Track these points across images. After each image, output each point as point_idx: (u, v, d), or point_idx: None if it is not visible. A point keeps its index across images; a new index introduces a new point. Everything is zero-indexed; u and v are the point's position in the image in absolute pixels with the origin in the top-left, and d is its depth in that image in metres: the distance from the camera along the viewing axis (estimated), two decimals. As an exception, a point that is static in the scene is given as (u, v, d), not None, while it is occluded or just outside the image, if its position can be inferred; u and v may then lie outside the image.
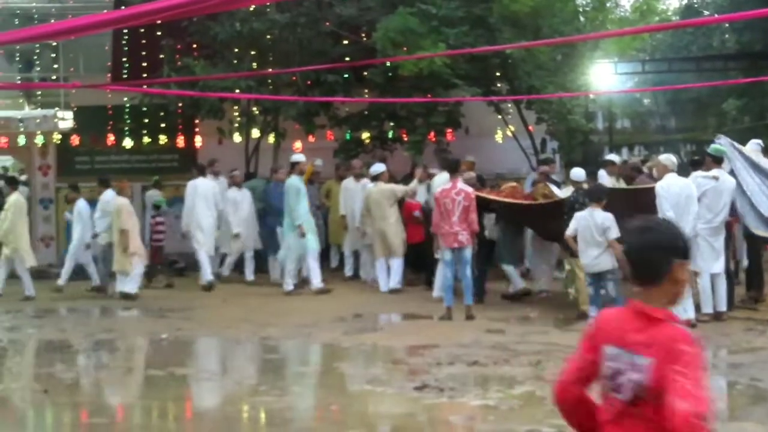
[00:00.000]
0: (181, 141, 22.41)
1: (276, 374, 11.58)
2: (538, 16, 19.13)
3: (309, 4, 20.01)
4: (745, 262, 16.53)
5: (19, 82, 23.71)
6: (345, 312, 15.16)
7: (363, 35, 20.44)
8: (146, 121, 22.19)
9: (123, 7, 18.01)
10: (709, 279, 13.43)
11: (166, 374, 11.55)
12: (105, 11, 19.12)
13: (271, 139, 21.06)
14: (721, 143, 14.14)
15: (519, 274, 16.21)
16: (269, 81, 20.60)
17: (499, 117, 21.24)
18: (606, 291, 12.02)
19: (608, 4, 20.84)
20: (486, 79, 19.80)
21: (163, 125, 22.21)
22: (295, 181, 17.33)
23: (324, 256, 18.43)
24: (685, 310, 12.87)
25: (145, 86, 20.12)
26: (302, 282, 17.90)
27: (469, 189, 14.58)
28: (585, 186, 14.27)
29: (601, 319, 4.02)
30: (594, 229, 11.94)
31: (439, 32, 18.46)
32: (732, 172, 13.90)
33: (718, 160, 13.77)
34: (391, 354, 12.13)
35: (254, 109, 20.86)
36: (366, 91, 21.04)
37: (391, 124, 20.53)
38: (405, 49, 18.27)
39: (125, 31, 20.68)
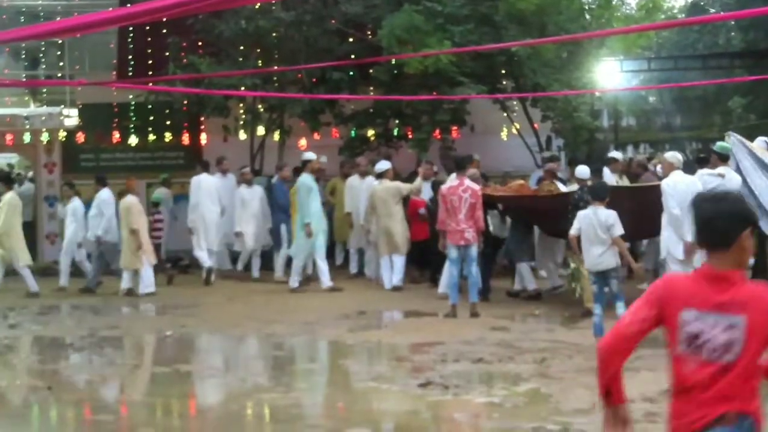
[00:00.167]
0: (186, 138, 22.44)
1: (281, 371, 11.58)
2: (543, 14, 19.12)
3: (315, 2, 20.02)
4: (751, 260, 16.50)
5: (24, 79, 23.75)
6: (350, 309, 15.15)
7: (368, 33, 20.44)
8: (151, 118, 22.22)
9: (128, 5, 18.04)
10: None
11: (171, 371, 11.56)
12: (110, 9, 19.14)
13: (277, 136, 21.07)
14: (731, 140, 14.09)
15: (531, 273, 16.19)
16: (275, 78, 20.60)
17: (505, 115, 21.24)
18: (610, 288, 12.00)
19: (614, 2, 20.85)
20: (491, 76, 19.78)
21: (168, 123, 22.23)
22: (306, 180, 17.32)
23: (329, 254, 18.41)
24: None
25: (150, 84, 20.16)
26: (307, 280, 17.93)
27: (476, 186, 14.57)
28: (590, 183, 14.25)
29: (671, 286, 4.23)
30: (598, 227, 11.90)
31: (444, 30, 18.45)
32: (738, 170, 13.87)
33: (724, 158, 13.74)
34: (396, 351, 12.13)
35: (259, 106, 20.86)
36: (371, 88, 21.02)
37: (397, 121, 20.51)
38: (410, 46, 18.25)
39: (131, 28, 20.69)
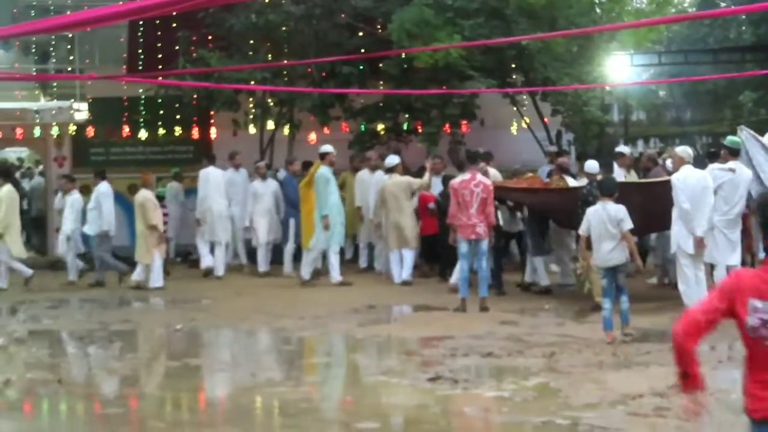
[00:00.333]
0: (196, 132, 22.48)
1: (290, 365, 11.60)
2: (554, 8, 19.10)
3: (324, -4, 20.05)
4: (761, 255, 16.46)
5: (35, 73, 23.77)
6: (359, 303, 15.17)
7: (378, 27, 20.44)
8: (161, 112, 22.25)
9: (138, -1, 18.09)
10: (726, 271, 13.38)
11: (181, 365, 11.57)
12: (121, 2, 19.14)
13: (286, 130, 21.09)
14: (743, 134, 14.06)
15: (546, 268, 16.18)
16: (284, 72, 20.60)
17: (515, 109, 21.23)
18: (616, 282, 11.98)
19: (624, -4, 20.77)
20: (501, 70, 19.78)
21: (178, 117, 22.26)
22: (324, 172, 17.33)
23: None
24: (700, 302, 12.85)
25: (160, 78, 20.17)
26: (317, 273, 17.94)
27: (488, 181, 14.57)
28: (599, 178, 14.23)
29: (740, 279, 4.63)
30: (608, 222, 11.85)
31: (454, 24, 18.44)
32: (751, 164, 13.83)
33: (734, 152, 13.70)
34: (405, 345, 12.12)
35: (269, 100, 20.89)
36: (381, 82, 21.05)
37: (407, 115, 20.52)
38: (420, 40, 18.24)
39: (141, 22, 20.71)
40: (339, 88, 19.54)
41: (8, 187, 18.13)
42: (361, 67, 20.47)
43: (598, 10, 20.48)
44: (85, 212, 18.41)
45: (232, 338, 13.58)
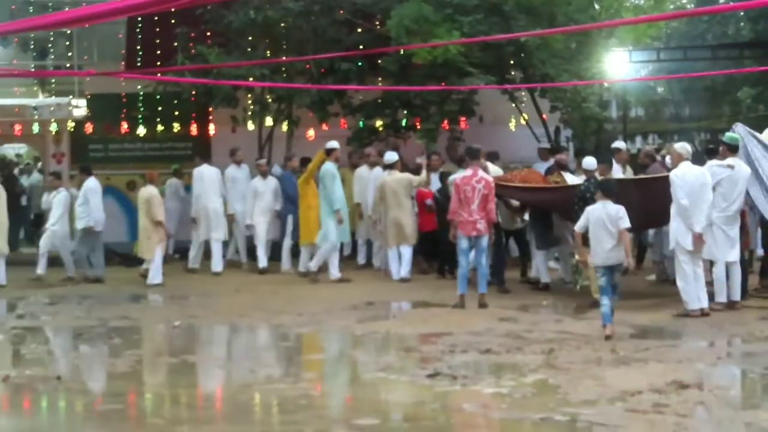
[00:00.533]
0: (194, 129, 22.46)
1: (289, 362, 11.59)
2: (552, 4, 19.12)
3: (323, -8, 20.02)
4: (759, 251, 16.49)
5: (33, 70, 23.77)
6: (358, 300, 15.18)
7: (377, 23, 20.42)
8: (160, 109, 22.24)
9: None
10: (724, 268, 13.40)
11: (180, 361, 11.57)
12: (119, -1, 19.13)
13: (285, 127, 21.06)
14: (738, 132, 14.09)
15: (547, 265, 16.16)
16: (283, 69, 20.59)
17: (513, 105, 21.22)
18: (612, 279, 11.99)
19: (623, -8, 20.78)
20: (500, 67, 19.78)
21: (176, 113, 22.27)
22: (330, 167, 17.37)
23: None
24: (699, 298, 12.88)
25: (159, 74, 20.16)
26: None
27: (489, 177, 14.58)
28: (597, 175, 14.24)
29: None
30: (608, 222, 11.85)
31: (453, 20, 18.43)
32: (749, 159, 13.85)
33: (733, 149, 13.71)
34: (404, 342, 12.12)
35: (268, 97, 20.85)
36: (380, 79, 21.00)
37: (405, 112, 20.49)
38: (419, 37, 18.22)
39: (139, 19, 20.70)
40: (337, 84, 19.52)
41: None
42: (360, 64, 20.46)
43: (596, 7, 20.50)
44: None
45: (231, 335, 13.58)
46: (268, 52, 20.79)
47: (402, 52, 18.86)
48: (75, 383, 10.74)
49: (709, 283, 13.36)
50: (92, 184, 18.42)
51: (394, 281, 17.12)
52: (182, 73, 19.69)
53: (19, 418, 9.51)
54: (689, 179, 12.97)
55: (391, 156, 17.76)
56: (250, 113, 21.19)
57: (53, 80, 24.60)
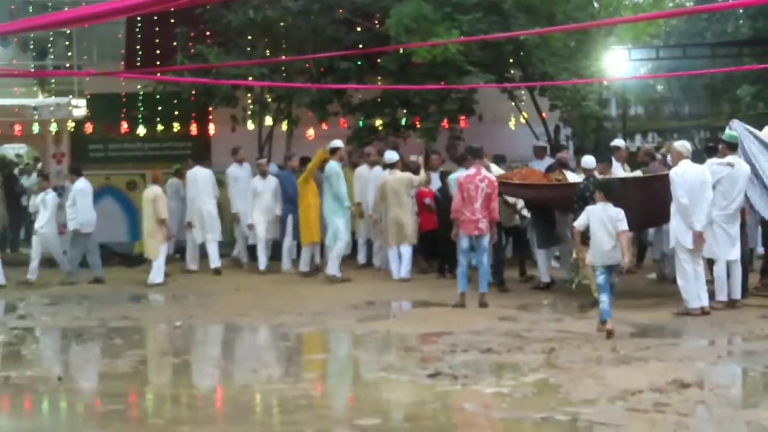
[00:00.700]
0: (194, 129, 22.46)
1: (289, 361, 11.60)
2: (552, 3, 19.12)
3: (322, -9, 20.01)
4: (759, 250, 16.49)
5: (33, 70, 23.75)
6: (358, 299, 15.18)
7: (376, 22, 20.41)
8: (159, 108, 22.24)
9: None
10: (725, 266, 13.40)
11: (180, 361, 11.60)
12: (118, -1, 19.12)
13: (284, 126, 21.05)
14: (735, 128, 14.10)
15: (548, 265, 16.12)
16: (282, 68, 20.59)
17: (513, 104, 21.22)
18: (612, 279, 12.03)
19: (622, -10, 20.76)
20: (500, 65, 19.77)
21: (176, 113, 22.27)
22: (335, 166, 17.42)
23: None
24: (699, 297, 12.89)
25: (158, 74, 20.14)
26: (315, 269, 18.00)
27: (493, 176, 14.59)
28: (596, 173, 14.26)
29: None
30: (608, 223, 11.89)
31: (452, 19, 18.43)
32: (746, 155, 13.86)
33: (732, 147, 13.71)
34: (405, 341, 12.13)
35: (267, 96, 20.84)
36: (379, 78, 20.98)
37: (405, 111, 20.48)
38: (418, 36, 18.22)
39: (138, 18, 20.69)
40: (337, 83, 19.50)
41: None
42: (359, 63, 20.45)
43: (595, 5, 20.46)
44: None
45: (231, 335, 13.57)
46: (268, 51, 20.79)
47: (401, 51, 18.86)
48: (76, 384, 10.79)
49: (710, 282, 13.36)
50: (81, 185, 18.40)
51: (394, 281, 17.12)
52: (182, 72, 19.68)
53: (20, 418, 9.52)
54: (689, 177, 12.98)
55: (391, 155, 17.76)
56: (249, 113, 21.18)
57: (53, 80, 24.59)
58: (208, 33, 20.68)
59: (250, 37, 20.50)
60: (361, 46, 19.95)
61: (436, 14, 18.39)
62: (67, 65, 23.70)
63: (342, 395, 10.22)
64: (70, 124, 22.63)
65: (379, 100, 20.57)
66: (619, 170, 16.37)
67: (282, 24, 20.32)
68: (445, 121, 19.90)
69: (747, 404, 9.03)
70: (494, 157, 16.98)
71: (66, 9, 18.64)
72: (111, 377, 10.76)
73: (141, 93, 22.04)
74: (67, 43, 23.37)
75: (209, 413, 9.50)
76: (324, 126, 21.08)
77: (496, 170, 16.05)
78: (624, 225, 11.81)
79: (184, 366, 11.52)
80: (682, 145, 13.52)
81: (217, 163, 21.03)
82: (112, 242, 21.16)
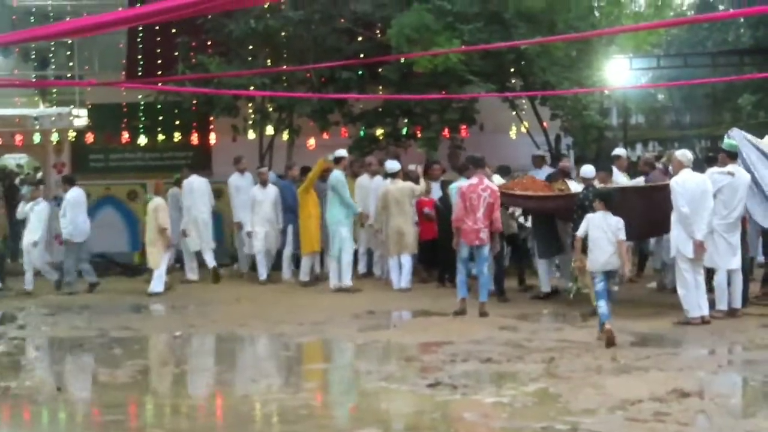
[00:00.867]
0: (195, 138, 22.48)
1: (289, 371, 11.59)
2: (553, 12, 19.13)
3: (323, 1, 20.06)
4: (760, 259, 16.48)
5: (34, 80, 23.80)
6: (358, 309, 15.17)
7: (377, 32, 20.47)
8: (161, 118, 22.27)
9: (138, 5, 18.10)
10: (726, 275, 13.39)
11: (180, 371, 11.60)
12: (120, 9, 19.18)
13: (285, 136, 21.07)
14: (733, 137, 14.11)
15: (548, 274, 16.05)
16: (284, 78, 20.61)
17: (514, 113, 21.23)
18: (609, 286, 12.05)
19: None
20: (501, 75, 19.79)
21: (177, 123, 22.30)
22: (339, 175, 17.41)
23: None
24: (699, 306, 12.88)
25: (159, 84, 20.17)
26: (316, 278, 18.00)
27: (495, 186, 14.59)
28: (596, 183, 14.27)
29: None
30: (608, 231, 11.94)
31: (454, 28, 18.46)
32: (745, 163, 13.86)
33: (733, 156, 13.71)
34: (405, 351, 12.11)
35: (268, 106, 20.86)
36: (380, 87, 21.01)
37: (406, 120, 20.49)
38: (420, 45, 18.24)
39: (140, 28, 20.74)
40: (338, 93, 19.52)
41: None
42: (361, 72, 20.49)
43: (597, 14, 20.50)
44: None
45: (232, 344, 13.54)
46: (269, 61, 20.83)
47: (402, 60, 18.88)
48: (75, 394, 10.77)
49: (710, 291, 13.35)
50: (73, 195, 18.44)
51: (394, 290, 17.11)
52: (183, 82, 19.70)
53: (20, 429, 9.51)
54: (690, 187, 12.98)
55: (393, 165, 17.75)
56: (250, 122, 21.21)
57: (54, 90, 24.63)
58: (209, 43, 20.73)
59: (251, 47, 20.54)
60: (362, 55, 19.98)
61: (437, 24, 18.42)
62: (69, 75, 23.75)
63: (342, 405, 10.21)
64: (71, 134, 22.65)
65: (380, 109, 20.60)
66: (620, 179, 16.37)
67: (283, 34, 20.37)
68: (446, 130, 19.93)
69: (747, 414, 9.01)
70: (499, 168, 16.94)
71: (68, 19, 18.71)
72: (111, 387, 10.75)
73: (142, 103, 22.06)
74: (69, 53, 23.43)
75: (209, 423, 9.49)
76: (325, 136, 21.10)
77: (497, 180, 16.03)
78: (623, 234, 11.88)
79: (184, 376, 11.52)
80: (683, 154, 13.51)
81: (218, 172, 21.06)
82: (112, 252, 21.18)
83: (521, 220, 16.55)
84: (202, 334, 13.97)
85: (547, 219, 15.91)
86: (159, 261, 17.80)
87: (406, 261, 17.25)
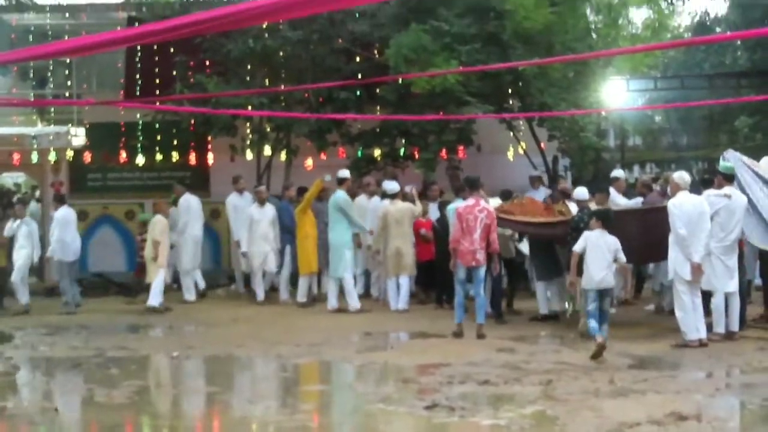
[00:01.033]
0: (193, 158, 22.43)
1: (286, 392, 11.57)
2: (550, 33, 19.17)
3: (322, 21, 20.03)
4: (757, 281, 16.48)
5: (32, 99, 23.78)
6: (356, 330, 15.18)
7: (375, 52, 20.49)
8: (159, 137, 22.25)
9: (136, 25, 18.14)
10: (723, 298, 13.40)
11: (177, 392, 11.58)
12: (118, 29, 19.22)
13: (283, 156, 21.07)
14: (728, 158, 14.15)
15: (547, 297, 16.01)
16: (282, 98, 20.65)
17: (511, 134, 21.26)
18: (602, 307, 12.06)
19: (620, 21, 20.84)
20: (498, 96, 19.81)
21: (175, 142, 22.26)
22: (345, 195, 17.46)
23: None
24: (697, 329, 12.87)
25: (157, 103, 20.17)
26: (313, 299, 17.99)
27: (491, 207, 14.61)
28: (590, 205, 14.30)
29: None
30: (606, 250, 11.99)
31: (451, 49, 18.49)
32: (740, 185, 13.88)
33: (729, 178, 13.74)
34: (402, 372, 12.09)
35: (266, 126, 20.88)
36: (378, 108, 21.03)
37: (403, 141, 20.51)
38: (417, 66, 18.28)
39: (138, 48, 20.74)
40: (336, 113, 19.54)
41: None
42: (359, 93, 20.51)
43: (594, 36, 20.56)
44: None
45: (229, 365, 13.51)
46: (267, 81, 20.85)
47: (400, 81, 18.92)
48: (72, 414, 10.74)
49: (707, 314, 13.34)
50: (61, 214, 18.51)
51: (392, 311, 17.10)
52: (181, 102, 19.72)
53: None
54: (687, 209, 12.99)
55: (393, 185, 17.76)
56: (248, 142, 21.20)
57: (52, 109, 24.60)
58: (207, 62, 20.74)
59: (249, 67, 20.56)
60: (360, 76, 20.01)
61: (435, 45, 18.46)
62: (67, 94, 23.73)
63: (339, 427, 10.18)
64: (69, 153, 22.63)
65: (378, 130, 20.62)
66: (618, 200, 16.38)
67: (281, 54, 20.40)
68: (444, 151, 19.94)
69: (745, 437, 9.01)
70: (501, 192, 16.89)
71: (66, 38, 18.71)
72: (108, 408, 10.72)
73: (140, 122, 22.07)
74: (67, 72, 23.42)
75: (206, 444, 9.47)
76: (323, 156, 21.10)
77: (495, 202, 16.02)
78: (623, 256, 11.94)
79: (181, 396, 11.50)
80: (680, 176, 13.53)
81: (216, 192, 21.07)
82: (110, 271, 21.16)
83: (517, 245, 16.54)
84: (200, 354, 13.93)
85: (545, 242, 15.90)
86: (156, 274, 17.84)
87: (404, 282, 17.26)
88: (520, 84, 19.57)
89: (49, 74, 24.16)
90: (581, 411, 9.61)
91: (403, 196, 17.76)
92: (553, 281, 15.85)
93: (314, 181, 18.14)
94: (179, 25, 7.69)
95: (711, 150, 36.48)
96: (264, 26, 19.42)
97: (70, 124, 23.11)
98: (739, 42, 33.63)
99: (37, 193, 24.79)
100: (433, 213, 17.85)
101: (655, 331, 14.21)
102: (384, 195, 17.93)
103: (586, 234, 12.35)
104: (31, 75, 24.18)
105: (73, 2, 23.29)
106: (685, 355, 12.59)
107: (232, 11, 7.44)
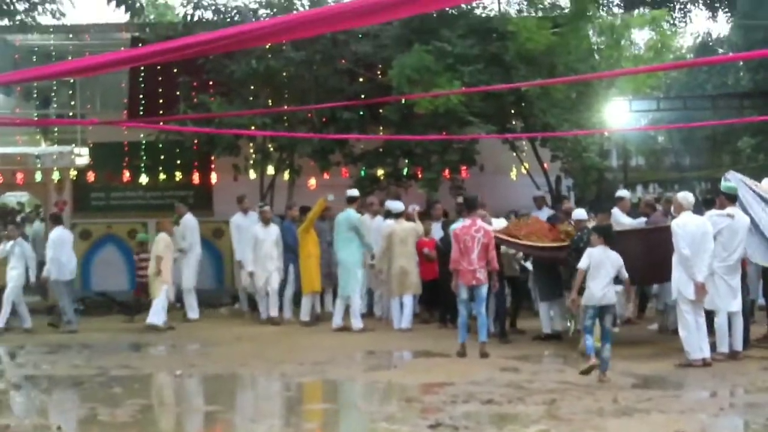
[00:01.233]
0: (196, 177, 22.48)
1: (290, 411, 11.56)
2: (553, 54, 19.23)
3: (325, 42, 20.08)
4: (760, 301, 16.47)
5: (36, 118, 23.85)
6: (359, 349, 15.16)
7: (378, 73, 20.55)
8: (162, 157, 22.29)
9: (140, 45, 18.19)
10: (726, 317, 13.39)
11: (181, 411, 11.55)
12: (122, 49, 19.27)
13: (287, 175, 21.11)
14: (730, 179, 14.17)
15: (550, 316, 15.98)
16: (285, 118, 20.68)
17: (514, 154, 21.28)
18: (603, 325, 12.05)
19: (623, 42, 20.88)
20: (501, 116, 19.85)
21: (178, 162, 22.31)
22: (356, 214, 17.56)
23: (337, 293, 18.26)
24: (701, 349, 12.86)
25: (161, 123, 20.21)
26: (316, 318, 17.98)
27: (489, 227, 14.62)
28: (589, 225, 14.32)
29: None
30: (609, 265, 12.00)
31: (454, 70, 18.54)
32: (741, 204, 13.90)
33: (731, 198, 13.75)
34: (406, 391, 12.07)
35: (270, 145, 20.91)
36: (381, 128, 21.08)
37: (406, 161, 20.54)
38: (420, 86, 18.32)
39: (141, 68, 20.79)
40: (339, 133, 19.57)
41: None
42: (362, 113, 20.55)
43: (596, 57, 20.59)
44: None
45: (232, 384, 13.51)
46: (270, 101, 20.89)
47: (403, 101, 18.95)
48: (75, 433, 10.73)
49: (711, 333, 13.33)
50: (57, 234, 18.51)
51: (395, 330, 17.09)
52: (184, 122, 19.74)
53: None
54: (690, 229, 13.00)
55: (398, 205, 17.77)
56: (251, 162, 21.25)
57: (56, 129, 24.68)
58: (210, 83, 20.80)
59: (252, 87, 20.61)
60: (363, 96, 20.05)
61: (438, 65, 18.51)
62: (70, 114, 23.81)
63: (342, 446, 10.18)
64: (73, 173, 22.69)
65: (380, 150, 20.65)
66: (623, 220, 16.38)
67: (284, 74, 20.45)
68: (447, 171, 19.96)
69: (749, 457, 8.99)
70: (507, 214, 16.81)
71: (70, 59, 18.78)
72: (111, 426, 10.71)
73: (143, 142, 22.08)
74: (71, 92, 23.50)
75: (209, 463, 9.46)
76: (326, 176, 21.13)
77: (498, 223, 16.01)
78: (625, 273, 11.99)
79: (184, 415, 11.47)
80: (684, 197, 13.54)
81: (219, 211, 21.10)
82: (112, 290, 21.16)
83: (523, 262, 16.55)
84: (203, 373, 13.92)
85: (549, 262, 15.89)
86: (158, 291, 17.84)
87: (408, 301, 17.26)
88: (523, 104, 19.63)
89: (53, 94, 24.27)
90: (585, 431, 9.61)
91: (406, 216, 17.78)
92: (556, 301, 15.84)
93: (317, 200, 18.15)
94: (183, 45, 7.70)
95: (714, 170, 36.55)
96: (267, 47, 19.47)
97: (73, 144, 23.20)
98: (741, 63, 33.72)
99: (41, 213, 24.82)
100: (437, 232, 17.85)
101: (659, 351, 14.19)
102: (388, 214, 17.94)
103: (589, 250, 12.35)
104: (35, 95, 24.27)
105: (77, 23, 23.33)
106: (688, 374, 12.58)
107: (236, 32, 7.46)
